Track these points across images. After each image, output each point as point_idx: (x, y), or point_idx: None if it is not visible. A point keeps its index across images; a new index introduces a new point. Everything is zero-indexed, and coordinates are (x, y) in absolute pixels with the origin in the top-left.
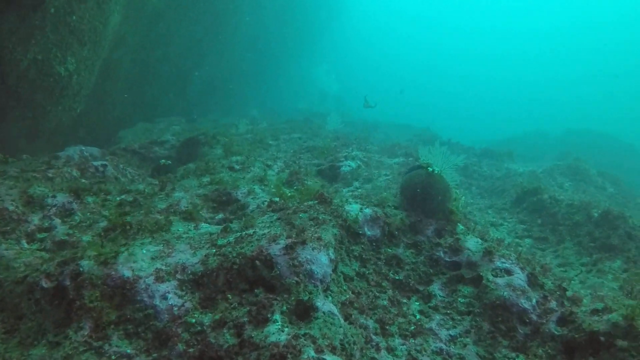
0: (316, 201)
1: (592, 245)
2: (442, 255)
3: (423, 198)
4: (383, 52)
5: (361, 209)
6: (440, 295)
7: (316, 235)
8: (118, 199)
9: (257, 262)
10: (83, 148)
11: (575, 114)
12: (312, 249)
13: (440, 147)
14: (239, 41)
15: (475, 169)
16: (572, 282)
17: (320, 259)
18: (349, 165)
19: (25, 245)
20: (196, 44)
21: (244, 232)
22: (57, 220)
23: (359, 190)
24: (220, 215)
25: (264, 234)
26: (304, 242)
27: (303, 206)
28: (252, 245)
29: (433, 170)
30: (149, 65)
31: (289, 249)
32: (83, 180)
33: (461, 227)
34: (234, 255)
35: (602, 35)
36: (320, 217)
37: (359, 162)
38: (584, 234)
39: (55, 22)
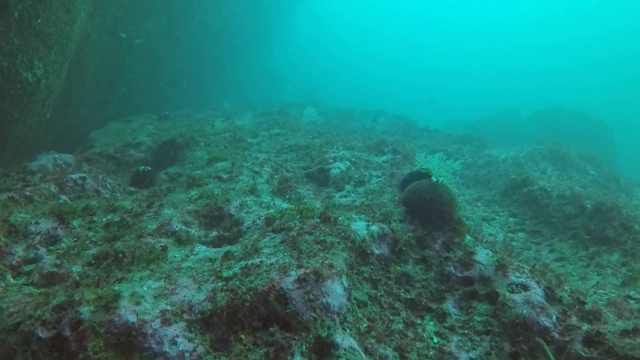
0: (319, 219)
1: (588, 238)
2: (452, 270)
3: (430, 211)
4: (344, 43)
5: (368, 226)
6: (454, 314)
7: (327, 262)
8: (104, 219)
9: (271, 298)
10: (56, 156)
11: (543, 91)
12: (326, 280)
13: (437, 155)
14: (206, 33)
15: (457, 156)
16: (571, 277)
17: (335, 290)
18: (339, 168)
19: (11, 281)
20: (163, 37)
21: (250, 262)
22: (43, 250)
23: (352, 195)
24: (214, 233)
25: (272, 263)
26: (316, 273)
27: (307, 226)
28: (261, 279)
29: (438, 180)
30: (116, 62)
31: (302, 281)
32: (63, 198)
33: (469, 237)
34: (244, 290)
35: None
36: (328, 240)
37: (347, 163)
38: (578, 227)
39: (19, 26)
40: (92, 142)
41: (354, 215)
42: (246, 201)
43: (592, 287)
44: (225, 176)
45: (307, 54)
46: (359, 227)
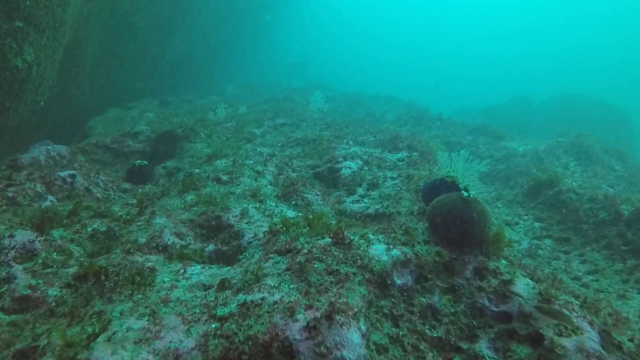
0: (330, 239)
1: (625, 249)
2: (486, 303)
3: (460, 232)
4: (353, 27)
5: (388, 250)
6: (489, 357)
7: (342, 301)
8: (90, 229)
9: (273, 351)
10: (50, 147)
11: (556, 75)
12: (341, 326)
13: (462, 153)
14: (211, 14)
15: (472, 149)
16: (609, 295)
17: (351, 339)
18: (349, 167)
19: None
20: (165, 19)
21: (249, 298)
22: (17, 268)
23: (365, 200)
24: (211, 247)
25: (276, 302)
26: (329, 317)
27: (316, 250)
28: (263, 323)
29: (469, 195)
30: (116, 46)
31: (312, 329)
32: (50, 199)
33: (504, 262)
34: (241, 339)
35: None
36: (342, 270)
37: (359, 162)
38: (613, 235)
39: (6, 9)
40: (90, 130)
41: (371, 236)
42: (247, 208)
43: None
44: (225, 177)
45: (314, 37)
46: (378, 251)
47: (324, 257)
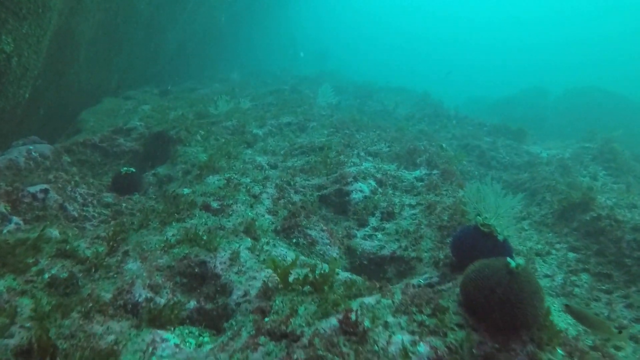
0: (338, 322)
1: None
2: None
3: (505, 316)
4: (365, 13)
5: (413, 344)
6: None
7: None
8: (47, 276)
9: None
10: (31, 147)
11: (571, 66)
12: None
13: (490, 184)
14: None
15: (492, 154)
16: None
17: None
18: (361, 190)
19: None
20: (167, 2)
21: None
22: None
23: (379, 235)
24: (193, 303)
25: None
26: None
27: (319, 341)
28: None
29: (517, 266)
30: (114, 31)
31: None
32: (15, 221)
33: (560, 352)
34: None
35: None
36: None
37: (372, 183)
38: None
39: None
40: (81, 124)
41: (390, 318)
42: (239, 250)
43: None
44: (215, 204)
45: (324, 22)
46: (400, 345)
47: (330, 356)
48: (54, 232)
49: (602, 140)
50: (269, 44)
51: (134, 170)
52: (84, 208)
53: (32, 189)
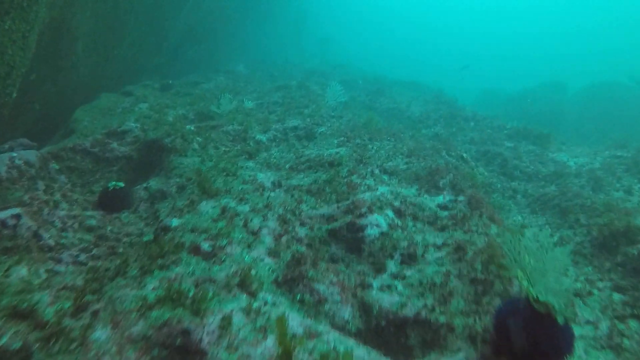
0: None
1: None
2: None
3: None
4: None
5: None
6: None
7: None
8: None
9: None
10: (15, 154)
11: (590, 57)
12: None
13: (541, 237)
14: None
15: (515, 163)
16: None
17: None
18: (377, 225)
19: None
20: None
21: None
22: None
23: (399, 286)
24: None
25: None
26: None
27: None
28: None
29: None
30: (114, 22)
31: None
32: None
33: None
34: None
35: None
36: None
37: (389, 215)
38: None
39: None
40: (75, 123)
41: None
42: (231, 315)
43: None
44: (206, 245)
45: (335, 12)
46: None
47: None
48: (22, 271)
49: (636, 149)
50: (279, 34)
51: (122, 185)
52: (62, 234)
53: (3, 214)
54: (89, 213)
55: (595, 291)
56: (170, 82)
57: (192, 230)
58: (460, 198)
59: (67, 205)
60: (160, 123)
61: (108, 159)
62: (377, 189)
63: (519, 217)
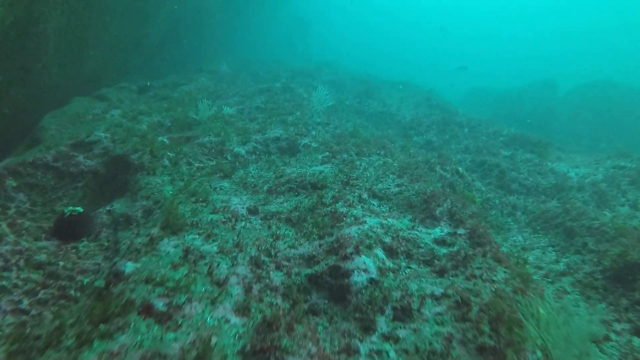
0: None
1: None
2: None
3: None
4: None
5: None
6: None
7: None
8: None
9: None
10: None
11: (581, 56)
12: None
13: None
14: None
15: (513, 175)
16: None
17: None
18: (365, 269)
19: None
20: None
21: None
22: None
23: (390, 349)
24: None
25: None
26: None
27: None
28: None
29: None
30: (89, 20)
31: None
32: None
33: None
34: None
35: None
36: None
37: (380, 255)
38: None
39: None
40: (41, 132)
41: None
42: None
43: None
44: (161, 304)
45: (323, 11)
46: None
47: None
48: None
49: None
50: (266, 31)
51: (80, 210)
52: (4, 274)
53: None
54: (40, 244)
55: (613, 335)
56: (149, 83)
57: (147, 281)
58: (460, 231)
59: (14, 236)
60: (132, 133)
61: (73, 174)
62: (366, 222)
63: (520, 237)
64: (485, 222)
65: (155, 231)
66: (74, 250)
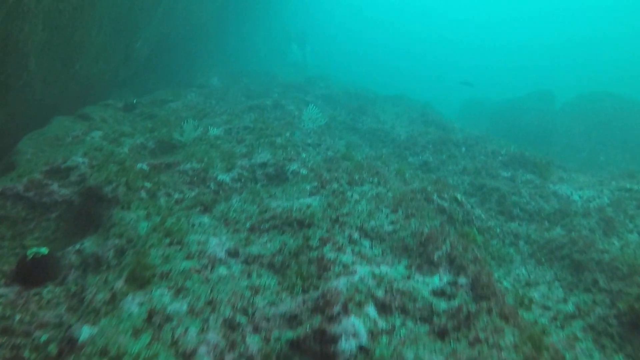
0: None
1: None
2: None
3: None
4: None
5: None
6: None
7: None
8: None
9: None
10: None
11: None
12: None
13: None
14: None
15: (514, 199)
16: None
17: None
18: (354, 333)
19: None
20: None
21: None
22: None
23: None
24: None
25: None
26: None
27: None
28: None
29: None
30: (74, 32)
31: None
32: None
33: None
34: None
35: None
36: None
37: (371, 314)
38: None
39: None
40: (17, 156)
41: None
42: None
43: None
44: None
45: (319, 22)
46: None
47: None
48: None
49: None
50: (259, 42)
51: (45, 251)
52: None
53: None
54: (0, 290)
55: None
56: (135, 101)
57: (102, 354)
58: (462, 280)
59: None
60: (110, 159)
61: (45, 204)
62: (356, 271)
63: (524, 270)
64: (487, 255)
65: (119, 285)
66: (36, 297)
